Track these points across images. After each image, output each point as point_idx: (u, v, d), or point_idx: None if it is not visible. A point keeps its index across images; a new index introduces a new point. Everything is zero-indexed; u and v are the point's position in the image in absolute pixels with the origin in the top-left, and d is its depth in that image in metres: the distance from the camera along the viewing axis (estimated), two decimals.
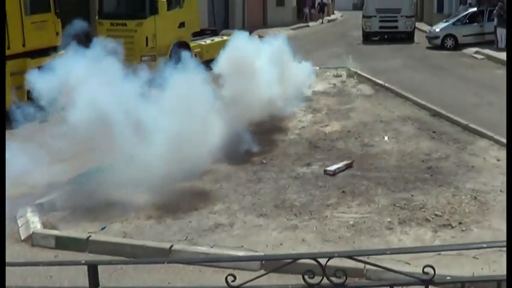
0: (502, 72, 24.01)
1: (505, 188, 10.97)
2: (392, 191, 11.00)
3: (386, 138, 14.28)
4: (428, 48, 31.93)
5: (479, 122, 14.85)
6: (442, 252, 7.97)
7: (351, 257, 3.56)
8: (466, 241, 8.98)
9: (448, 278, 3.61)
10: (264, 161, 12.59)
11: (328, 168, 11.98)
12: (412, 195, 10.73)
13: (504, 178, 11.41)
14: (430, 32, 33.74)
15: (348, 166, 12.25)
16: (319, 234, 9.32)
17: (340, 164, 12.20)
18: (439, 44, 31.82)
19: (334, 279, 3.48)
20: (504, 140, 13.40)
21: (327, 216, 9.99)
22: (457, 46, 31.11)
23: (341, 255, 3.55)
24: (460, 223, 9.57)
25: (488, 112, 16.47)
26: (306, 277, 3.46)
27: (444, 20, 34.42)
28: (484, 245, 3.64)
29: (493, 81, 21.66)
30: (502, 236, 9.00)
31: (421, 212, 10.01)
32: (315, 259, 3.44)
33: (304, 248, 8.82)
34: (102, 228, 9.77)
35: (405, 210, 10.12)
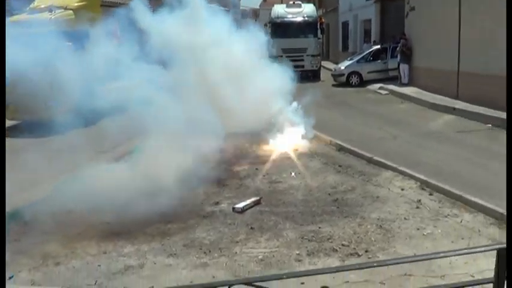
0: (405, 106, 24.86)
1: (411, 215, 11.34)
2: (300, 224, 11.15)
3: (293, 174, 14.52)
4: (334, 85, 32.73)
5: (383, 155, 15.29)
6: (350, 280, 8.19)
7: (249, 284, 3.61)
8: (373, 269, 9.18)
9: None
10: (172, 202, 12.55)
11: (237, 206, 12.06)
12: (319, 227, 10.91)
13: (408, 206, 11.79)
14: (335, 70, 34.62)
15: (256, 203, 12.36)
16: (229, 270, 9.35)
17: (248, 201, 12.30)
18: (344, 81, 32.67)
19: None
20: (408, 171, 13.85)
21: (236, 252, 10.04)
22: (362, 83, 32.01)
23: (239, 282, 3.60)
24: (366, 251, 9.78)
25: (392, 144, 16.97)
26: None
27: (349, 58, 35.39)
28: (388, 262, 3.77)
29: (397, 115, 22.36)
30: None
31: (328, 243, 10.19)
32: None
33: None
34: (10, 278, 9.54)
35: (313, 242, 10.28)
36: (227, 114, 16.30)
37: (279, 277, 3.64)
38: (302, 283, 7.17)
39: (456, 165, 14.72)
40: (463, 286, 3.66)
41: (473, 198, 11.84)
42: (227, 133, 16.52)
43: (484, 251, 3.66)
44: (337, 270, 3.94)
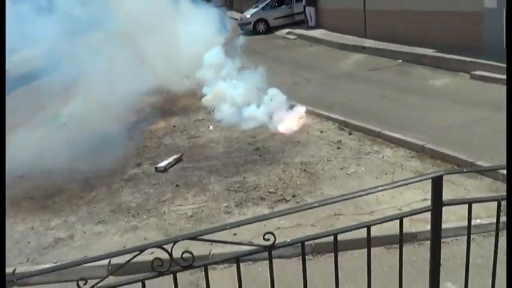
0: (314, 49, 24.94)
1: (333, 156, 11.45)
2: (224, 176, 11.14)
3: (211, 127, 14.42)
4: (242, 34, 32.56)
5: (299, 99, 15.30)
6: (282, 226, 8.22)
7: (195, 238, 3.53)
8: (302, 213, 9.21)
9: (288, 240, 3.68)
10: (93, 169, 12.30)
11: (159, 165, 11.94)
12: (244, 178, 10.92)
13: (329, 148, 11.91)
14: (241, 19, 34.36)
15: (178, 160, 12.26)
16: (160, 230, 9.27)
17: (170, 159, 12.19)
18: (251, 29, 32.50)
19: (182, 261, 3.47)
20: (325, 113, 13.97)
21: (164, 211, 9.96)
22: (269, 29, 31.92)
23: (185, 237, 3.51)
24: (293, 196, 9.85)
25: (306, 88, 17.03)
26: (155, 265, 3.43)
27: (254, 6, 35.15)
28: (316, 204, 3.74)
29: (307, 58, 22.44)
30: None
31: (255, 192, 10.22)
32: (160, 247, 3.40)
33: None
34: None
35: (240, 192, 10.29)
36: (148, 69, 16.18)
37: (222, 228, 3.58)
38: (234, 234, 7.16)
39: (371, 102, 14.91)
40: (402, 217, 3.66)
41: (392, 134, 12.04)
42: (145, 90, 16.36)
43: (420, 180, 3.67)
44: (268, 217, 3.88)
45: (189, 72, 18.04)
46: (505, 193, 3.74)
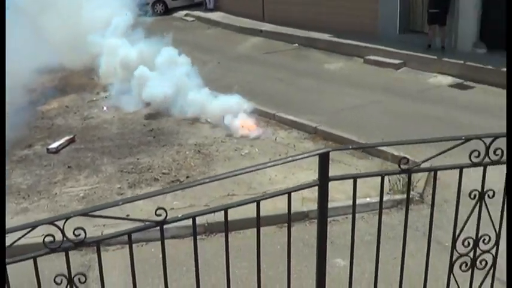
0: (212, 31, 24.87)
1: (227, 138, 11.47)
2: (118, 158, 10.99)
3: (105, 108, 14.17)
4: (140, 15, 32.10)
5: None
6: (175, 206, 8.19)
7: (87, 214, 3.46)
8: (196, 193, 9.20)
9: (181, 215, 3.68)
10: None
11: (51, 146, 11.65)
12: (138, 159, 10.81)
13: (223, 132, 11.90)
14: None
15: (71, 141, 12.00)
16: (51, 212, 9.05)
17: (62, 140, 11.91)
18: (149, 10, 32.14)
19: (74, 238, 3.40)
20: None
21: (56, 193, 9.74)
22: (168, 11, 31.63)
23: (77, 213, 3.43)
24: (187, 177, 9.83)
25: (203, 70, 16.92)
26: (47, 241, 3.35)
27: None
28: (207, 180, 3.74)
29: (205, 41, 22.37)
30: (227, 181, 9.43)
31: (148, 173, 10.13)
32: (51, 223, 3.31)
33: None
34: None
35: (133, 173, 10.18)
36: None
37: (115, 204, 3.54)
38: (128, 215, 7.07)
39: (268, 85, 15.03)
40: (290, 191, 3.71)
41: (286, 116, 12.16)
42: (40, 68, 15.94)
43: (308, 156, 3.74)
44: (160, 193, 3.86)
45: (87, 51, 17.63)
46: (389, 169, 3.85)
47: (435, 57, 16.41)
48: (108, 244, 7.51)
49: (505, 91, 14.49)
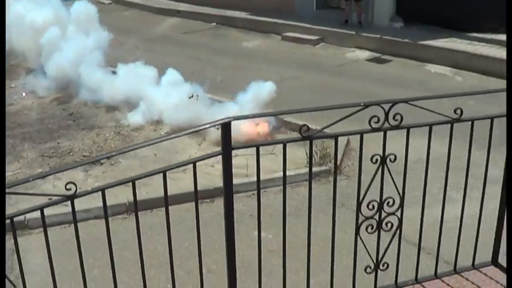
0: (130, 13, 24.68)
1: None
2: (38, 143, 10.97)
3: (24, 94, 14.03)
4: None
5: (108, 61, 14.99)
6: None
7: None
8: (117, 174, 9.32)
9: (90, 189, 3.84)
10: None
11: None
12: (58, 143, 10.82)
13: None
14: None
15: None
16: None
17: None
18: None
19: None
20: None
21: None
22: None
23: None
24: (108, 158, 9.87)
25: (119, 51, 16.80)
26: None
27: None
28: (138, 145, 3.91)
29: (122, 22, 22.20)
30: (148, 161, 9.60)
31: (69, 157, 10.18)
32: None
33: None
34: None
35: (54, 158, 10.20)
36: None
37: (26, 180, 3.67)
38: (50, 199, 7.13)
39: (186, 65, 15.10)
40: (196, 161, 3.91)
41: (203, 94, 12.28)
42: None
43: (210, 126, 3.93)
44: (71, 167, 4.00)
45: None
46: (289, 137, 4.09)
47: (353, 32, 16.81)
48: (32, 227, 7.62)
49: (421, 64, 15.03)
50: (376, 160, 4.28)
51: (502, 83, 6.65)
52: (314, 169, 8.89)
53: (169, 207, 4.07)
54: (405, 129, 4.33)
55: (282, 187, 4.27)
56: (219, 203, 7.97)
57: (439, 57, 14.89)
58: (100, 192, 3.80)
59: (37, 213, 3.79)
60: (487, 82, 13.36)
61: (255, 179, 4.21)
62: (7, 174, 9.79)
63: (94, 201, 4.99)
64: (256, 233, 4.44)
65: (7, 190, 3.48)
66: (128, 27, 20.91)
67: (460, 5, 15.46)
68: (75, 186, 3.60)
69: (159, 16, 22.93)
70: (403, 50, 15.50)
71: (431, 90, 12.58)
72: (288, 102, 11.65)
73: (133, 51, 16.95)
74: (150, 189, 7.70)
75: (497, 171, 4.84)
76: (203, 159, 4.04)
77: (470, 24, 15.26)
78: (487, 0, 14.97)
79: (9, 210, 3.69)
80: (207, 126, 3.95)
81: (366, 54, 15.99)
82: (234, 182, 4.01)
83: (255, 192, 4.52)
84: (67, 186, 3.59)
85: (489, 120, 4.54)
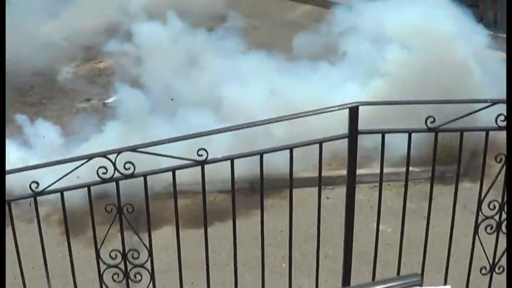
0: None
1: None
2: None
3: None
4: None
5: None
6: None
7: (134, 150, 3.82)
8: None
9: (219, 157, 4.01)
10: (43, 101, 12.41)
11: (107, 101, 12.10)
12: None
13: None
14: None
15: None
16: None
17: None
18: None
19: (124, 171, 3.77)
20: None
21: None
22: None
23: (126, 149, 3.80)
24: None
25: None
26: (100, 172, 3.73)
27: None
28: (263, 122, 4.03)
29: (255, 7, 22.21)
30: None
31: None
32: (105, 156, 3.69)
33: None
34: None
35: None
36: None
37: (161, 142, 3.90)
38: None
39: None
40: (322, 142, 4.03)
41: None
42: None
43: (338, 109, 4.00)
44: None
45: None
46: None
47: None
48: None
49: None
50: (501, 159, 4.23)
51: None
52: (440, 168, 8.75)
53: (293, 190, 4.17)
54: None
55: (409, 182, 4.34)
56: (341, 190, 8.03)
57: None
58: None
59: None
60: None
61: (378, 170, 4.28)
62: None
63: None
64: (375, 224, 4.52)
65: (144, 150, 3.73)
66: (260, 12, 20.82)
67: None
68: (206, 152, 3.79)
69: (291, 2, 22.63)
70: None
71: None
72: None
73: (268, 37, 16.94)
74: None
75: None
76: (329, 140, 4.13)
77: None
78: None
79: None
80: (336, 108, 4.05)
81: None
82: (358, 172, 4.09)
83: (376, 184, 4.64)
84: (199, 152, 3.78)
85: None
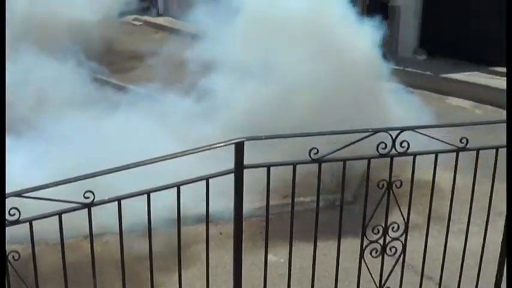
0: (159, 36, 24.78)
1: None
2: None
3: None
4: None
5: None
6: None
7: (19, 195, 3.70)
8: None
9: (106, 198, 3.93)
10: None
11: None
12: None
13: None
14: None
15: None
16: None
17: None
18: None
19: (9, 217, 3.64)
20: None
21: None
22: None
23: (11, 195, 3.65)
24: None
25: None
26: None
27: None
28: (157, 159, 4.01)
29: (151, 44, 22.33)
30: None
31: None
32: None
33: None
34: None
35: None
36: None
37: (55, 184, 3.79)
38: None
39: None
40: (208, 178, 4.06)
41: None
42: None
43: (224, 145, 4.01)
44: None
45: None
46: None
47: None
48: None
49: (443, 96, 15.04)
50: (383, 185, 4.41)
51: None
52: (330, 196, 8.91)
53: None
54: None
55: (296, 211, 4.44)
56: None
57: (460, 90, 14.88)
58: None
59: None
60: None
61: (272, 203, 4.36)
62: None
63: None
64: (269, 256, 4.58)
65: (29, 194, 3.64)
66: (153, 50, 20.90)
67: (484, 39, 15.48)
68: (93, 194, 3.74)
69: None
70: (425, 82, 15.48)
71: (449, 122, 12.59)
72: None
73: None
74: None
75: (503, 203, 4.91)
76: (215, 176, 4.14)
77: (494, 58, 15.27)
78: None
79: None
80: (221, 145, 4.06)
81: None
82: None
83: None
84: (85, 195, 3.72)
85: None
